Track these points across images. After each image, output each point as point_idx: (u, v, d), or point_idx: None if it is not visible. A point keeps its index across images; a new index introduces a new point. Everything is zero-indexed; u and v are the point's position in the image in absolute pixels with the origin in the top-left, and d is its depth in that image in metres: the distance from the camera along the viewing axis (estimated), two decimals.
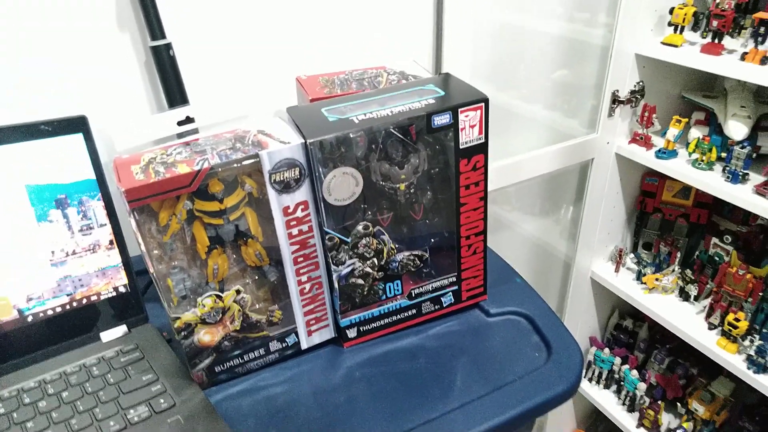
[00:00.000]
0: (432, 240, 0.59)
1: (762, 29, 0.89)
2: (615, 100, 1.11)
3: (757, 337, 1.02)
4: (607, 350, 1.36)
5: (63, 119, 0.54)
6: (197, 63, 0.73)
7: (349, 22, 0.82)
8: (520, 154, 1.06)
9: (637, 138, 1.14)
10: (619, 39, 1.05)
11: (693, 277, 1.18)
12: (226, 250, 0.51)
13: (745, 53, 0.91)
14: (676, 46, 1.01)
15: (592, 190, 1.21)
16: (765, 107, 1.05)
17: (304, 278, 0.56)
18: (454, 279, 0.62)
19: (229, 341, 0.55)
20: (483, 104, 0.54)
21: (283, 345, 0.58)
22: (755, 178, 0.98)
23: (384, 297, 0.60)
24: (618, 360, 1.35)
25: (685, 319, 1.14)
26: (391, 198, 0.55)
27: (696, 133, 1.08)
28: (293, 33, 0.78)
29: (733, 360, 1.04)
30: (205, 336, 0.53)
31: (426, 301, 0.62)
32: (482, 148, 0.56)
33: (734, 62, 0.92)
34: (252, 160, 0.49)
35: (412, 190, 0.56)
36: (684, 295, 1.19)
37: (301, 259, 0.55)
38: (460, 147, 0.55)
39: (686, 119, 1.08)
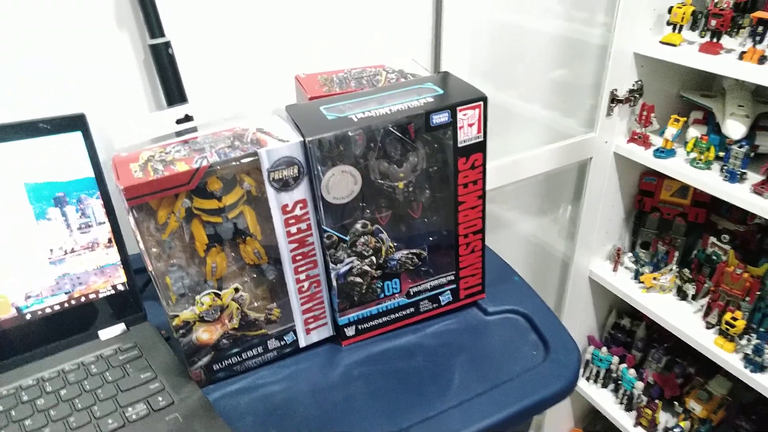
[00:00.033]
0: (430, 238, 0.59)
1: (760, 28, 0.90)
2: (613, 99, 1.11)
3: (754, 336, 1.03)
4: (604, 349, 1.37)
5: (62, 117, 0.54)
6: (196, 61, 0.73)
7: (348, 21, 0.82)
8: (519, 153, 1.06)
9: (636, 137, 1.14)
10: (617, 38, 1.05)
11: (691, 276, 1.18)
12: (224, 249, 0.52)
13: (744, 52, 0.91)
14: (674, 45, 1.01)
15: (591, 189, 1.21)
16: (763, 106, 1.05)
17: (302, 276, 0.56)
18: (453, 277, 0.62)
19: (227, 339, 0.55)
20: (481, 103, 0.54)
21: (282, 343, 0.58)
22: (753, 177, 0.99)
23: (382, 295, 0.60)
24: (616, 359, 1.35)
25: (683, 318, 1.15)
26: (389, 196, 0.55)
27: (694, 132, 1.08)
28: (292, 31, 0.78)
29: (730, 359, 1.04)
30: (204, 334, 0.53)
31: (424, 299, 0.62)
32: (481, 147, 0.57)
33: (732, 61, 0.92)
34: (251, 159, 0.49)
35: (410, 189, 0.56)
36: (682, 294, 1.19)
37: (300, 257, 0.55)
38: (459, 145, 0.55)
39: (684, 118, 1.08)
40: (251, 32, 0.76)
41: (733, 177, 0.99)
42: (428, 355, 0.59)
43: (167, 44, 0.68)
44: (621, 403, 1.35)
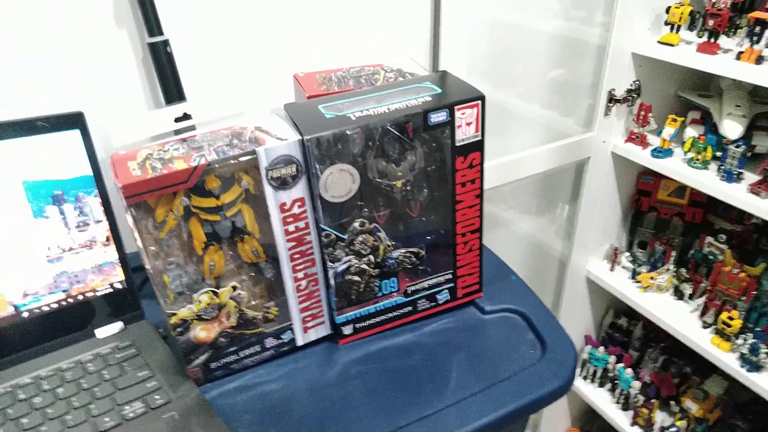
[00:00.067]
0: (428, 237, 0.59)
1: (757, 29, 0.90)
2: (611, 99, 1.12)
3: (751, 335, 1.03)
4: (601, 348, 1.37)
5: (60, 115, 0.54)
6: (195, 60, 0.73)
7: (347, 20, 0.82)
8: (517, 153, 1.07)
9: (633, 137, 1.14)
10: (615, 38, 1.05)
11: (688, 276, 1.19)
12: (222, 247, 0.52)
13: (741, 53, 0.91)
14: (672, 45, 1.01)
15: (588, 188, 1.21)
16: (760, 107, 1.05)
17: (300, 275, 0.56)
18: (450, 276, 0.63)
19: (225, 338, 0.55)
20: (479, 102, 0.55)
21: (279, 341, 0.58)
22: (750, 177, 0.99)
23: (380, 294, 0.60)
24: (612, 358, 1.36)
25: (680, 317, 1.15)
26: (387, 195, 0.55)
27: (691, 132, 1.09)
28: (291, 30, 0.78)
29: (727, 358, 1.05)
30: (201, 332, 0.53)
31: (422, 298, 0.62)
32: (478, 146, 0.57)
33: (730, 61, 0.92)
34: (249, 157, 0.49)
35: (408, 188, 0.56)
36: (678, 294, 1.19)
37: (298, 255, 0.55)
38: (457, 144, 0.56)
39: (682, 118, 1.09)
40: (250, 31, 0.75)
41: (730, 177, 0.99)
42: (426, 353, 0.59)
43: (166, 42, 0.68)
44: (618, 403, 1.35)
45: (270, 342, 0.58)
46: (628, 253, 1.33)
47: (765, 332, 1.01)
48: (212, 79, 0.75)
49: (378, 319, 0.61)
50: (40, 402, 0.51)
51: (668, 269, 1.22)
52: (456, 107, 0.54)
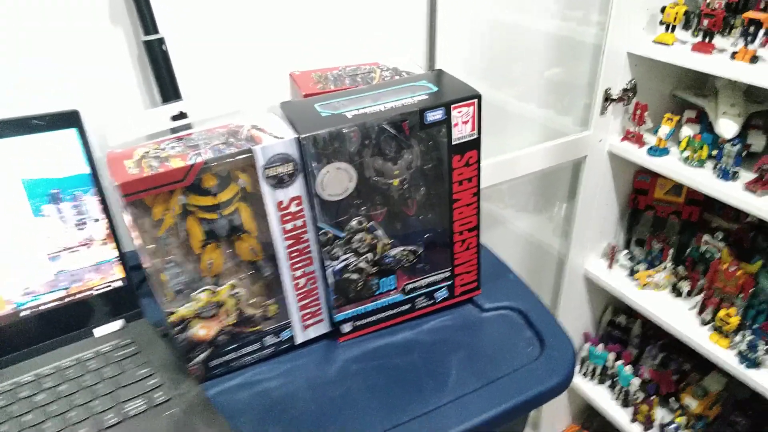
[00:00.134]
0: (426, 235, 0.60)
1: (751, 28, 0.90)
2: (607, 98, 1.12)
3: (749, 332, 1.03)
4: (600, 346, 1.37)
5: (56, 113, 0.54)
6: (191, 58, 0.74)
7: (343, 19, 0.82)
8: (514, 152, 1.07)
9: (630, 136, 1.15)
10: (611, 37, 1.06)
11: (685, 274, 1.19)
12: (220, 245, 0.52)
13: (735, 52, 0.92)
14: (667, 44, 1.01)
15: (585, 187, 1.22)
16: (755, 106, 1.06)
17: (298, 273, 0.56)
18: (448, 274, 0.63)
19: (224, 336, 0.55)
20: (476, 100, 0.55)
21: (278, 339, 0.58)
22: (745, 176, 0.99)
23: (378, 292, 0.60)
24: (612, 356, 1.36)
25: (678, 315, 1.15)
26: (384, 193, 0.56)
27: (687, 131, 1.09)
28: (287, 29, 0.79)
29: (725, 355, 1.05)
30: (201, 330, 0.54)
31: (420, 296, 0.62)
32: (475, 144, 0.57)
33: (725, 61, 0.93)
34: (245, 155, 0.49)
35: (405, 186, 0.56)
36: (676, 292, 1.20)
37: (296, 254, 0.55)
38: (453, 143, 0.56)
39: (678, 117, 1.09)
40: (246, 29, 0.76)
41: (725, 175, 0.99)
42: (424, 351, 0.59)
43: (161, 41, 0.68)
44: (617, 400, 1.35)
45: (269, 340, 0.58)
46: (625, 251, 1.33)
47: (763, 329, 1.02)
48: (208, 77, 0.76)
49: (376, 317, 0.61)
50: (42, 400, 0.51)
51: (666, 267, 1.22)
52: (452, 106, 0.54)
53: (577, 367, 1.43)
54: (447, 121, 0.54)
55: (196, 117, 0.69)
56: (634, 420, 1.31)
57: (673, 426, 1.26)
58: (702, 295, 1.13)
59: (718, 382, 1.27)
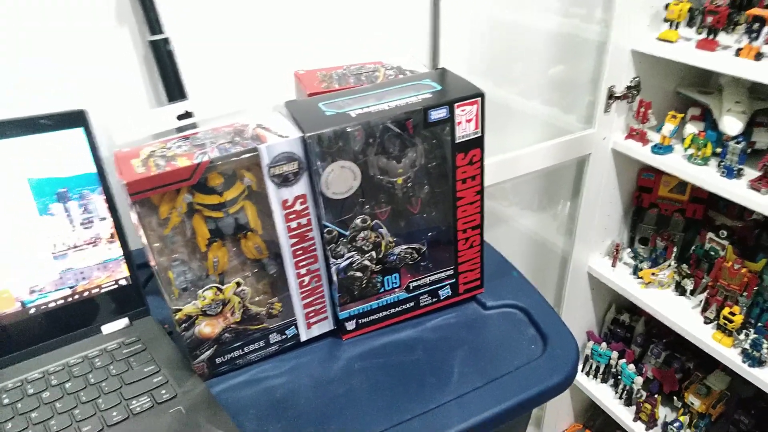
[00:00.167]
0: (429, 233, 0.60)
1: (756, 25, 0.90)
2: (611, 96, 1.12)
3: (752, 330, 1.03)
4: (604, 344, 1.37)
5: (63, 113, 0.54)
6: (196, 58, 0.74)
7: (347, 18, 0.83)
8: (517, 150, 1.07)
9: (633, 133, 1.15)
10: (615, 35, 1.06)
11: (689, 272, 1.19)
12: (226, 243, 0.52)
13: (740, 49, 0.91)
14: (671, 42, 1.01)
15: (589, 185, 1.22)
16: (759, 103, 1.06)
17: (303, 271, 0.57)
18: (452, 272, 0.63)
19: (229, 333, 0.55)
20: (479, 99, 0.55)
21: (283, 337, 0.59)
22: (750, 173, 0.99)
23: (382, 290, 0.60)
24: (615, 354, 1.36)
25: (682, 313, 1.15)
26: (388, 192, 0.56)
27: (691, 128, 1.09)
28: (291, 28, 0.79)
29: (729, 354, 1.05)
30: (206, 328, 0.54)
31: (424, 293, 0.63)
32: (478, 143, 0.57)
33: (729, 58, 0.92)
34: (251, 154, 0.50)
35: (409, 184, 0.56)
36: (680, 290, 1.20)
37: (300, 252, 0.56)
38: (457, 141, 0.56)
39: (682, 115, 1.09)
40: (251, 29, 0.76)
41: (730, 173, 0.99)
42: (428, 349, 0.60)
43: (166, 41, 0.68)
44: (620, 398, 1.36)
45: (274, 337, 0.58)
46: (629, 250, 1.33)
47: (767, 327, 1.02)
48: (213, 77, 0.76)
49: (380, 315, 0.62)
50: (48, 396, 0.52)
51: (669, 265, 1.22)
52: (456, 104, 0.54)
53: (580, 365, 1.43)
54: (450, 120, 0.55)
55: (201, 116, 0.69)
56: (637, 418, 1.31)
57: (676, 424, 1.26)
58: (706, 293, 1.13)
59: (721, 380, 1.27)
